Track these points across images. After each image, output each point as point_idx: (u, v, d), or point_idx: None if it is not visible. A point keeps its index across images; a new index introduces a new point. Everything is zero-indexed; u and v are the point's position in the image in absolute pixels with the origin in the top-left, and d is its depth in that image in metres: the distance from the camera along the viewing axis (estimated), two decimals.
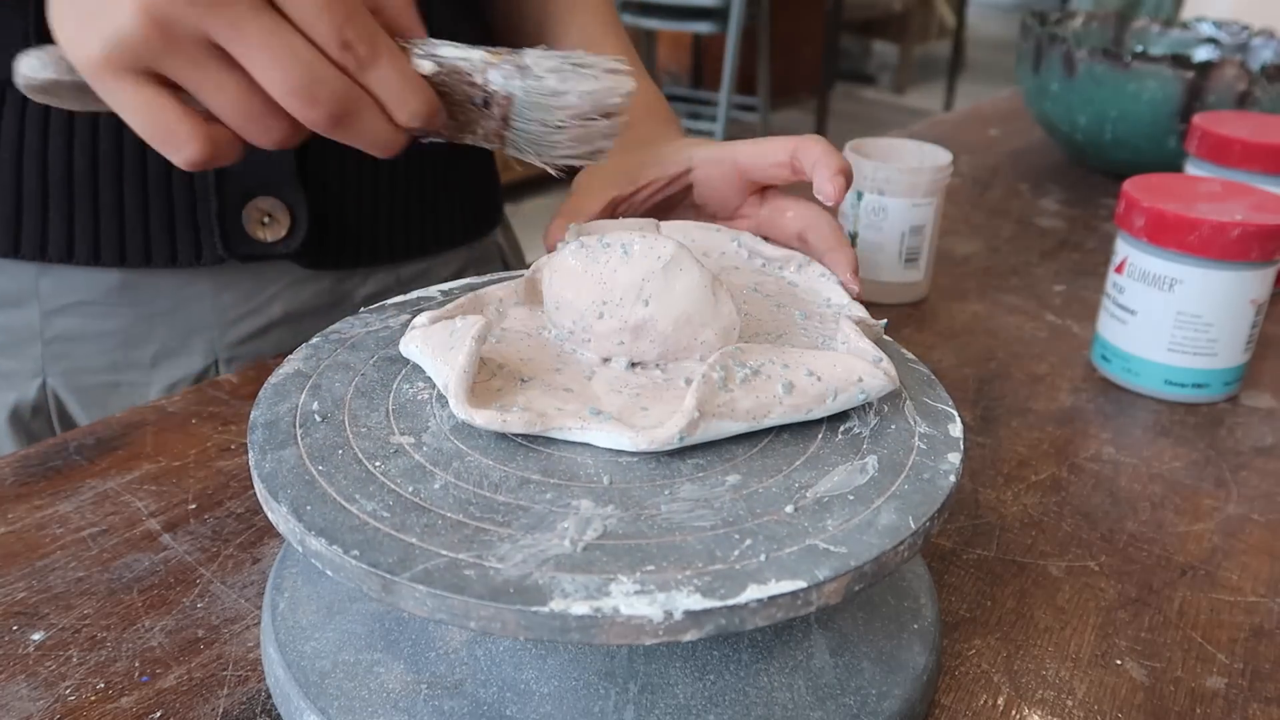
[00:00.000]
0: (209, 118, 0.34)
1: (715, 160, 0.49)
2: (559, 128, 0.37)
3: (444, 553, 0.26)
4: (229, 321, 0.55)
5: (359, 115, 0.34)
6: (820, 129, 3.54)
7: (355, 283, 0.59)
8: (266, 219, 0.53)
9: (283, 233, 0.54)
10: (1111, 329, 0.55)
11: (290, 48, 0.32)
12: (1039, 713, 0.34)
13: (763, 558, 0.26)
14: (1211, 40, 0.98)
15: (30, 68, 0.36)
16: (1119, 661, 0.36)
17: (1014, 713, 0.34)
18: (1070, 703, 0.34)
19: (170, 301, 0.54)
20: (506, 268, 0.70)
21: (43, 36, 0.40)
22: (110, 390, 0.54)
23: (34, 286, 0.52)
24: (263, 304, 0.56)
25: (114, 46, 0.32)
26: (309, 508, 0.27)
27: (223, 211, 0.52)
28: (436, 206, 0.61)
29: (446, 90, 0.37)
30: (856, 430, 0.32)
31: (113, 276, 0.52)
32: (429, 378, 0.34)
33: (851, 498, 0.29)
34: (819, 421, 0.32)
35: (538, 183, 3.43)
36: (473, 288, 0.42)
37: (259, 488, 0.28)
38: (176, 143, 0.34)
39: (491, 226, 0.67)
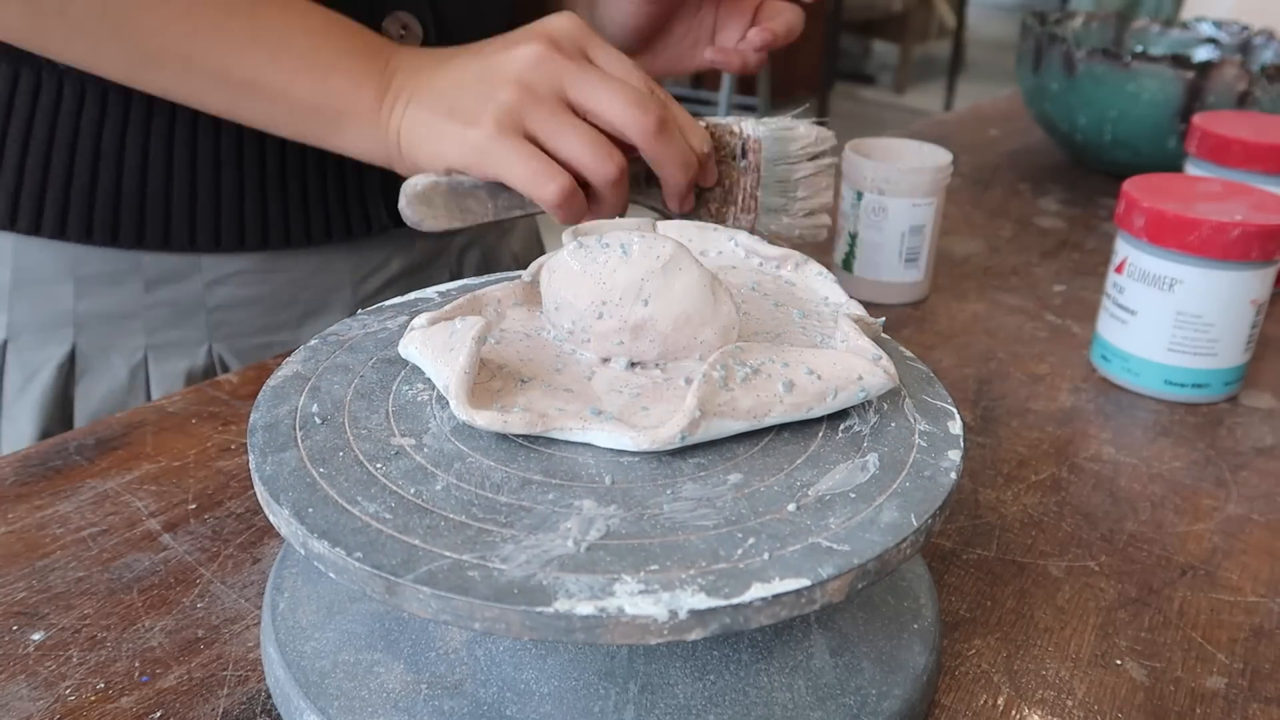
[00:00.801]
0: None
1: None
2: (793, 165, 0.51)
3: (447, 554, 0.26)
4: (360, 279, 0.61)
5: (671, 130, 0.47)
6: None
7: (449, 240, 0.66)
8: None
9: None
10: (1111, 329, 0.55)
11: (620, 84, 0.46)
12: (1039, 713, 0.34)
13: (766, 556, 0.26)
14: (1211, 40, 0.98)
15: (412, 185, 0.47)
16: (1119, 661, 0.36)
17: (1014, 713, 0.34)
18: (1070, 703, 0.34)
19: (314, 264, 0.59)
20: (522, 252, 0.76)
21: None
22: (265, 350, 0.59)
23: (196, 261, 0.56)
24: (383, 262, 0.62)
25: (502, 114, 0.45)
26: (311, 510, 0.27)
27: (385, 186, 0.58)
28: None
29: (713, 137, 0.50)
30: (857, 428, 0.32)
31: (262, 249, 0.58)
32: (428, 379, 0.34)
33: (853, 496, 0.29)
34: (819, 420, 0.32)
35: None
36: (470, 288, 0.42)
37: (260, 491, 0.28)
38: (548, 179, 0.45)
39: None
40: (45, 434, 0.56)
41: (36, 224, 0.53)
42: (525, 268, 0.68)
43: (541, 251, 0.75)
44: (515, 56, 0.46)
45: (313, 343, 0.36)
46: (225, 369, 0.58)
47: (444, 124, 0.46)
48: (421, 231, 0.60)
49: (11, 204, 0.53)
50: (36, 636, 0.35)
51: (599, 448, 0.30)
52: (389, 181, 0.57)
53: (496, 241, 0.70)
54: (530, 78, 0.46)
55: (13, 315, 0.55)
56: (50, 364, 0.56)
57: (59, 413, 0.57)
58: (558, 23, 0.48)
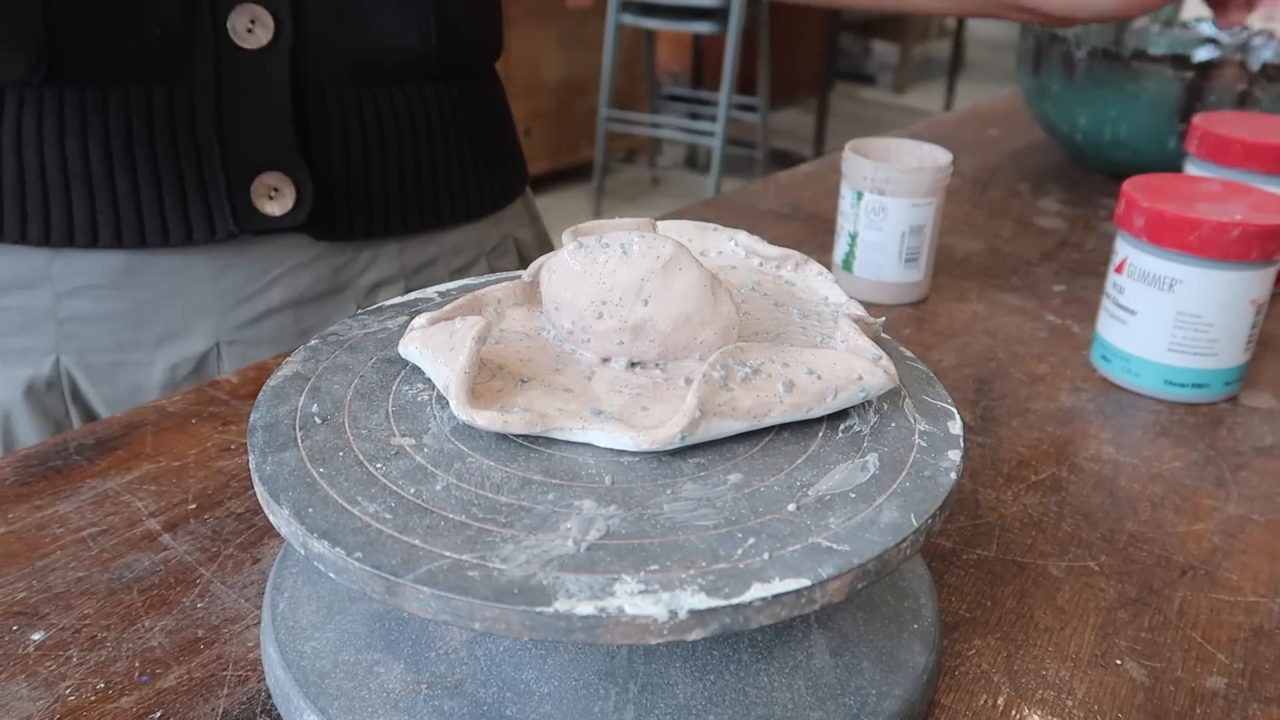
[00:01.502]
0: None
1: None
2: None
3: (447, 554, 0.26)
4: (229, 306, 0.57)
5: None
6: (820, 129, 3.54)
7: (356, 270, 0.61)
8: (273, 193, 0.56)
9: (289, 205, 0.56)
10: (1111, 329, 0.55)
11: None
12: (1039, 713, 0.34)
13: (766, 556, 0.26)
14: (1211, 40, 0.98)
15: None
16: (1119, 661, 0.36)
17: (1014, 713, 0.34)
18: (1070, 703, 0.34)
19: (174, 284, 0.56)
20: (523, 264, 0.70)
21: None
22: (117, 368, 0.57)
23: (47, 269, 0.54)
24: (261, 289, 0.58)
25: None
26: (311, 510, 0.27)
27: (230, 187, 0.55)
28: (446, 178, 0.63)
29: None
30: (857, 428, 0.32)
31: (119, 260, 0.55)
32: (428, 379, 0.34)
33: (853, 495, 0.29)
34: (819, 420, 0.32)
35: (555, 178, 3.43)
36: (470, 289, 0.42)
37: (260, 491, 0.28)
38: None
39: (508, 200, 0.68)
40: None
41: None
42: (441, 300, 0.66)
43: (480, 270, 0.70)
44: None
45: (313, 343, 0.36)
46: (72, 382, 0.56)
47: None
48: (315, 258, 0.58)
49: None
50: (36, 636, 0.35)
51: (599, 448, 0.30)
52: (236, 184, 0.55)
53: (429, 282, 0.65)
54: None
55: None
56: None
57: None
58: None
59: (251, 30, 0.53)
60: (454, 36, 0.60)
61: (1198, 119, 0.68)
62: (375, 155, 0.59)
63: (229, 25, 0.53)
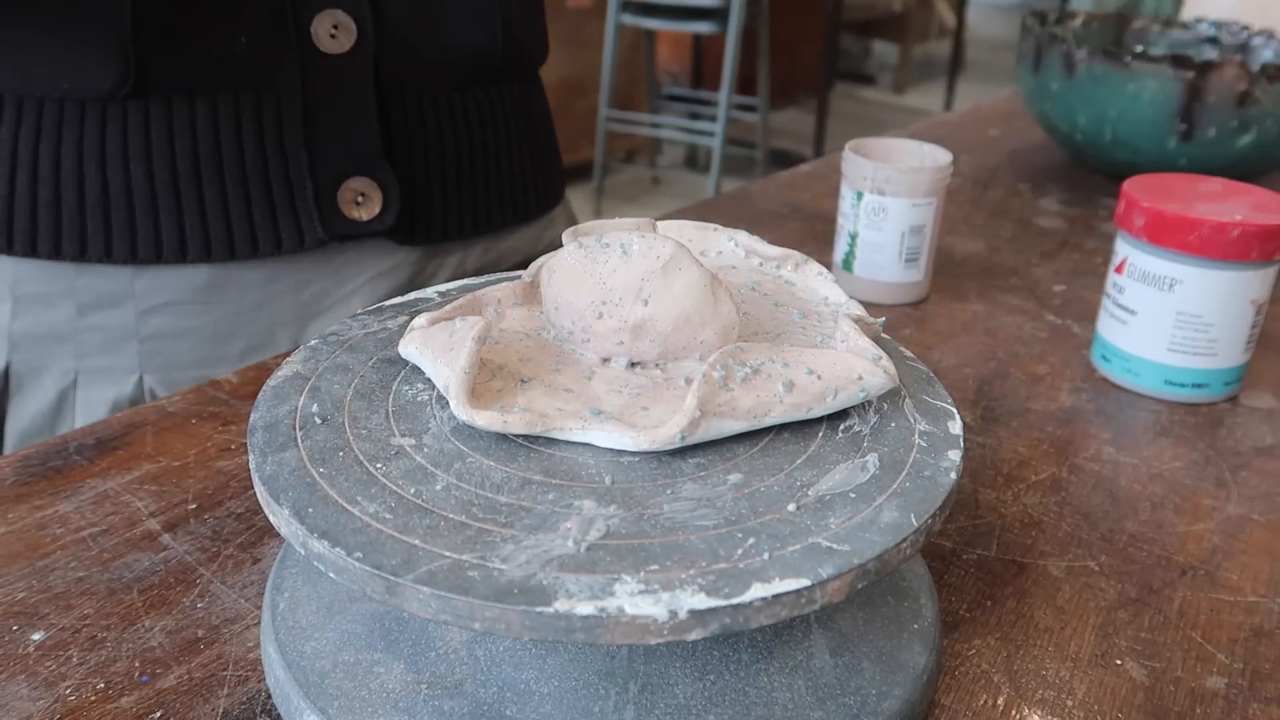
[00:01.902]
0: None
1: None
2: None
3: (447, 554, 0.26)
4: (310, 317, 0.58)
5: None
6: (820, 129, 3.54)
7: (427, 276, 0.62)
8: (360, 198, 0.56)
9: (376, 210, 0.57)
10: (1111, 329, 0.55)
11: None
12: (1039, 713, 0.34)
13: (766, 556, 0.26)
14: (1211, 40, 0.98)
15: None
16: (1119, 661, 0.36)
17: (1014, 713, 0.34)
18: (1070, 703, 0.34)
19: (257, 297, 0.56)
20: None
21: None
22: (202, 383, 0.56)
23: (130, 288, 0.54)
24: (342, 299, 0.59)
25: None
26: (311, 510, 0.27)
27: (318, 194, 0.55)
28: (511, 179, 0.64)
29: None
30: (857, 428, 0.32)
31: (204, 274, 0.55)
32: (428, 379, 0.34)
33: (853, 496, 0.29)
34: (819, 420, 0.32)
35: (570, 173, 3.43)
36: (470, 289, 0.42)
37: (260, 491, 0.28)
38: None
39: (556, 201, 0.70)
40: None
41: None
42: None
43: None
44: None
45: (313, 343, 0.36)
46: (156, 400, 0.56)
47: None
48: (394, 265, 0.59)
49: None
50: (36, 636, 0.35)
51: (599, 448, 0.30)
52: (323, 191, 0.55)
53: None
54: None
55: None
56: None
57: None
58: None
59: (335, 35, 0.54)
60: (515, 38, 0.62)
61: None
62: (451, 157, 0.60)
63: (312, 31, 0.53)
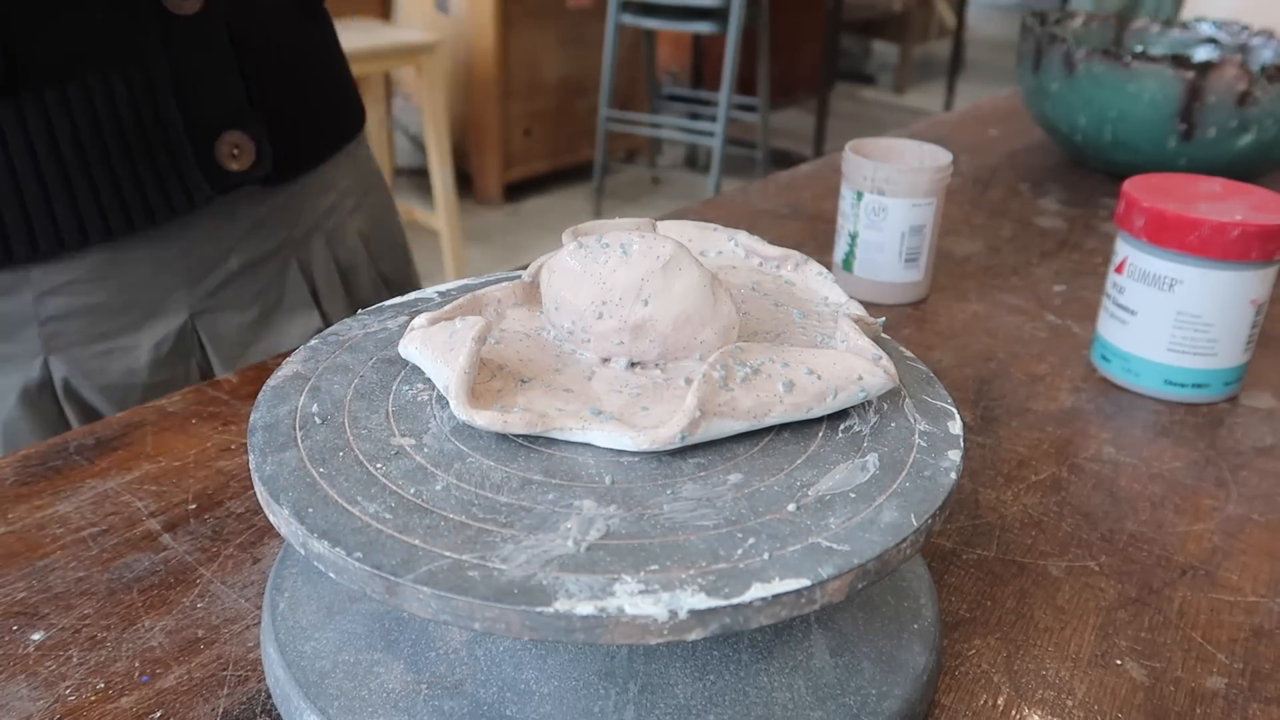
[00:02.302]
0: None
1: None
2: None
3: (447, 554, 0.26)
4: (197, 279, 0.60)
5: None
6: (820, 129, 3.54)
7: (294, 221, 0.65)
8: (235, 151, 0.58)
9: (252, 159, 0.59)
10: (1111, 329, 0.55)
11: None
12: (1039, 713, 0.34)
13: (766, 556, 0.26)
14: (1211, 40, 0.98)
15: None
16: (1119, 661, 0.36)
17: (1014, 713, 0.34)
18: (1070, 703, 0.34)
19: (149, 267, 0.57)
20: (386, 189, 0.77)
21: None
22: (105, 357, 0.58)
23: (25, 274, 0.54)
24: (222, 256, 0.61)
25: None
26: (311, 510, 0.27)
27: (199, 155, 0.56)
28: (340, 96, 0.69)
29: None
30: (857, 428, 0.32)
31: (96, 254, 0.55)
32: (428, 379, 0.34)
33: (853, 496, 0.29)
34: (819, 420, 0.32)
35: (538, 182, 3.43)
36: (470, 288, 0.42)
37: (260, 491, 0.28)
38: None
39: (362, 121, 0.74)
40: None
41: None
42: (374, 247, 0.72)
43: (394, 229, 0.76)
44: None
45: (313, 343, 0.36)
46: (64, 380, 0.56)
47: None
48: (253, 227, 0.62)
49: None
50: (36, 636, 0.35)
51: (599, 448, 0.30)
52: (202, 150, 0.56)
53: (341, 222, 0.69)
54: None
55: None
56: None
57: None
58: None
59: (236, 156, 0.57)
60: None
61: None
62: (299, 88, 0.63)
63: (215, 153, 0.56)
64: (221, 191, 0.58)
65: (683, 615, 0.24)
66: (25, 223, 0.53)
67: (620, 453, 0.30)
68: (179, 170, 0.56)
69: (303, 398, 0.33)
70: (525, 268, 0.52)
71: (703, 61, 3.82)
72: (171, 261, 0.58)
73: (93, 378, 0.57)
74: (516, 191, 3.36)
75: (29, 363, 0.56)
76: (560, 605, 0.24)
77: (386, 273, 0.74)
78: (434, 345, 0.32)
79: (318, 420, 0.31)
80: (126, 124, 0.54)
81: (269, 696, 0.33)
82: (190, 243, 0.59)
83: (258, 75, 0.59)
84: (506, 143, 3.21)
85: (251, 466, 0.29)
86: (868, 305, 0.64)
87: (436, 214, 2.55)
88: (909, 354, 0.38)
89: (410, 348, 0.34)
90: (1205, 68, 0.78)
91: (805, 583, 0.25)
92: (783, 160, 3.49)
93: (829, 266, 0.68)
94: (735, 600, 0.25)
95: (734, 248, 0.42)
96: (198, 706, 0.32)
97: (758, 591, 0.25)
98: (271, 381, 0.34)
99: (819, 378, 0.32)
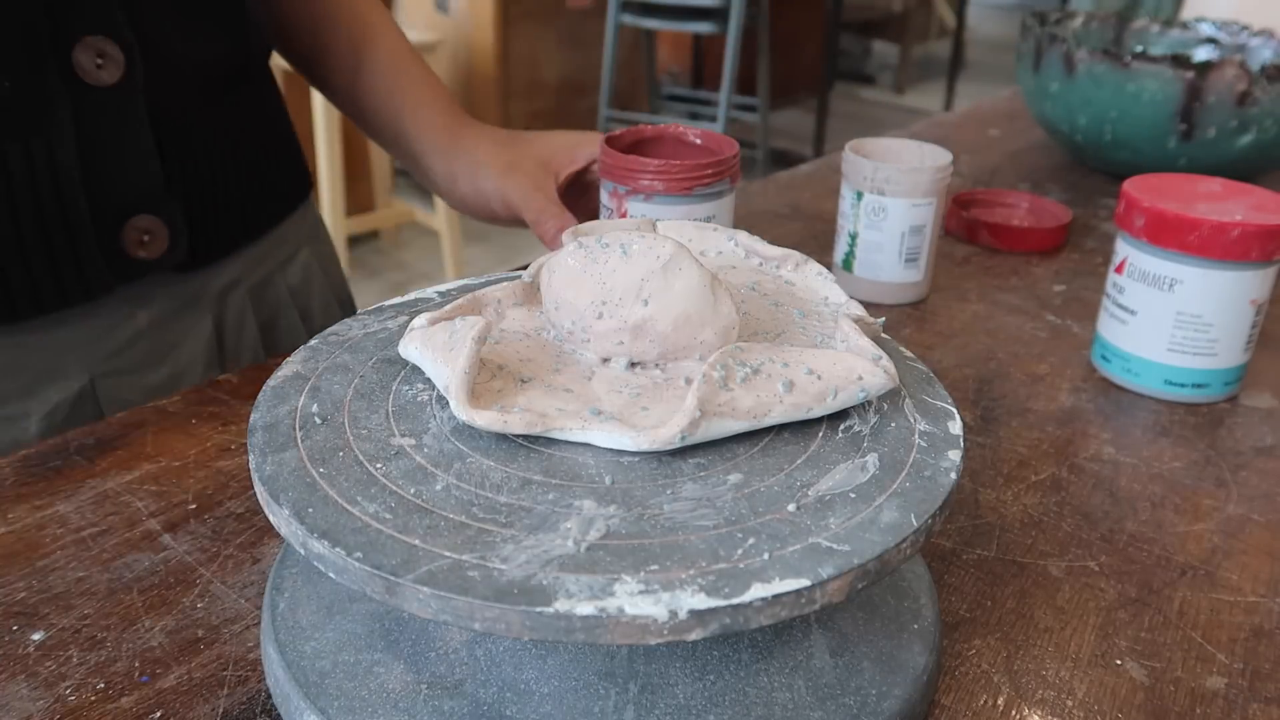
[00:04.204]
0: None
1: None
2: None
3: (447, 554, 0.26)
4: (98, 338, 0.54)
5: None
6: (820, 129, 3.54)
7: (209, 278, 0.59)
8: (146, 238, 0.53)
9: (164, 247, 0.53)
10: (1111, 329, 0.55)
11: None
12: (1039, 713, 0.34)
13: (766, 556, 0.26)
14: (1211, 40, 0.98)
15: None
16: (1119, 661, 0.36)
17: (1014, 713, 0.34)
18: (1070, 703, 0.34)
19: (41, 333, 0.52)
20: (327, 242, 0.73)
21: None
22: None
23: None
24: (127, 315, 0.55)
25: None
26: (311, 510, 0.27)
27: (101, 239, 0.51)
28: (278, 176, 0.64)
29: None
30: (857, 428, 0.32)
31: None
32: (428, 379, 0.34)
33: (853, 496, 0.29)
34: (819, 420, 0.32)
35: None
36: (470, 289, 0.42)
37: (260, 491, 0.28)
38: None
39: (307, 190, 0.69)
40: None
41: None
42: (305, 302, 0.67)
43: (327, 280, 0.70)
44: None
45: (313, 343, 0.36)
46: None
47: None
48: (162, 284, 0.55)
49: None
50: (36, 636, 0.35)
51: (599, 448, 0.30)
52: (105, 236, 0.51)
53: (270, 276, 0.64)
54: None
55: None
56: None
57: None
58: None
59: (101, 65, 0.49)
60: (259, 33, 0.60)
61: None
62: (222, 172, 0.57)
63: (75, 62, 0.48)
64: (125, 281, 0.52)
65: (683, 615, 0.24)
66: None
67: (620, 453, 0.30)
68: (76, 256, 0.50)
69: (303, 398, 0.33)
70: (525, 268, 0.53)
71: (703, 61, 3.82)
72: (65, 324, 0.52)
73: None
74: None
75: None
76: (560, 605, 0.24)
77: (318, 324, 0.69)
78: (434, 345, 0.32)
79: (318, 420, 0.31)
80: (21, 203, 0.48)
81: (269, 696, 0.33)
82: (90, 308, 0.53)
83: (178, 154, 0.54)
84: None
85: (251, 466, 0.29)
86: (868, 305, 0.64)
87: (436, 214, 2.55)
88: (909, 354, 0.38)
89: (410, 348, 0.34)
90: (1205, 68, 0.78)
91: (805, 583, 0.25)
92: (783, 160, 3.49)
93: (829, 266, 0.68)
94: (735, 600, 0.25)
95: (734, 248, 0.42)
96: (198, 706, 0.32)
97: (758, 591, 0.25)
98: (271, 381, 0.34)
99: (819, 378, 0.32)
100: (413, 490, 0.28)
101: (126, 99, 0.50)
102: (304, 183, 0.68)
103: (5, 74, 0.46)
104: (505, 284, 0.38)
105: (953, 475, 0.30)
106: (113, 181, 0.51)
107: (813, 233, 0.76)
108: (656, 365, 0.34)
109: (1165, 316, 0.52)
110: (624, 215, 0.56)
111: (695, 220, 0.50)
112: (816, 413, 0.32)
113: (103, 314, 0.54)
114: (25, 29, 0.46)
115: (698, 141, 0.61)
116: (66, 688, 0.33)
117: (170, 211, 0.53)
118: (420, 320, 0.34)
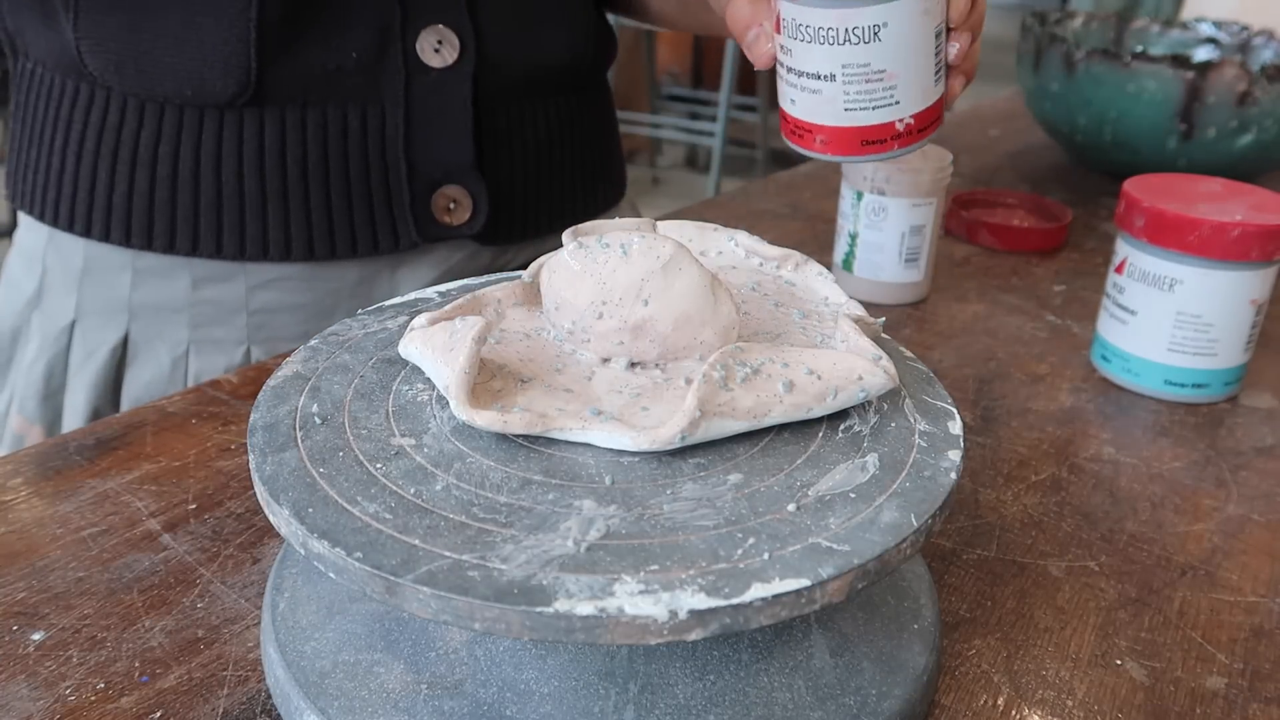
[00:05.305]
0: None
1: None
2: None
3: (447, 554, 0.26)
4: (402, 293, 0.60)
5: None
6: None
7: (508, 259, 0.66)
8: (452, 205, 0.60)
9: (466, 216, 0.60)
10: (1111, 329, 0.55)
11: None
12: (1039, 713, 0.34)
13: (766, 556, 0.26)
14: (1211, 40, 0.98)
15: None
16: (1119, 661, 0.36)
17: (1014, 713, 0.34)
18: (1070, 703, 0.34)
19: (356, 277, 0.60)
20: None
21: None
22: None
23: (240, 266, 0.58)
24: (432, 280, 0.63)
25: None
26: (311, 510, 0.27)
27: (414, 201, 0.59)
28: (588, 179, 0.69)
29: None
30: (857, 428, 0.32)
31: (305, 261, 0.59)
32: (428, 379, 0.34)
33: (853, 496, 0.29)
34: (819, 420, 0.32)
35: None
36: (470, 289, 0.42)
37: (260, 491, 0.28)
38: None
39: (621, 194, 0.75)
40: (95, 413, 0.59)
41: (106, 230, 0.57)
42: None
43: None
44: None
45: (313, 343, 0.36)
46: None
47: None
48: (478, 249, 0.62)
49: (85, 211, 0.57)
50: (36, 636, 0.35)
51: (599, 448, 0.30)
52: (418, 198, 0.58)
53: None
54: None
55: (81, 297, 0.59)
56: (105, 346, 0.59)
57: (109, 395, 0.59)
58: None
59: (439, 50, 0.57)
60: (597, 45, 0.65)
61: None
62: (534, 163, 0.63)
63: (418, 47, 0.56)
64: (429, 240, 0.60)
65: (683, 615, 0.24)
66: (239, 225, 0.56)
67: (620, 453, 0.30)
68: (391, 212, 0.58)
69: (303, 398, 0.33)
70: (525, 268, 0.53)
71: (703, 61, 3.82)
72: (377, 274, 0.61)
73: None
74: None
75: (235, 349, 0.59)
76: (560, 605, 0.24)
77: None
78: (434, 345, 0.32)
79: (318, 420, 0.31)
80: (353, 158, 0.56)
81: (269, 696, 0.33)
82: (398, 263, 0.61)
83: (493, 139, 0.60)
84: None
85: (251, 466, 0.29)
86: (868, 305, 0.64)
87: None
88: (909, 354, 0.38)
89: (410, 348, 0.34)
90: (1205, 68, 0.78)
91: (805, 583, 0.25)
92: (783, 160, 3.49)
93: (829, 266, 0.68)
94: (735, 600, 0.25)
95: (734, 248, 0.42)
96: (198, 706, 0.32)
97: (758, 591, 0.25)
98: (271, 381, 0.34)
99: (819, 378, 0.32)
100: (413, 490, 0.28)
101: (455, 82, 0.57)
102: (615, 191, 0.73)
103: (355, 48, 0.55)
104: (505, 284, 0.38)
105: (953, 475, 0.30)
106: (431, 151, 0.58)
107: (813, 233, 0.76)
108: (656, 365, 0.34)
109: (1165, 316, 0.52)
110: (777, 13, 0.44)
111: (853, 26, 0.39)
112: (816, 413, 0.32)
113: (410, 277, 0.62)
114: (381, 14, 0.55)
115: None
116: (66, 688, 0.33)
117: (475, 186, 0.60)
118: (420, 320, 0.34)
